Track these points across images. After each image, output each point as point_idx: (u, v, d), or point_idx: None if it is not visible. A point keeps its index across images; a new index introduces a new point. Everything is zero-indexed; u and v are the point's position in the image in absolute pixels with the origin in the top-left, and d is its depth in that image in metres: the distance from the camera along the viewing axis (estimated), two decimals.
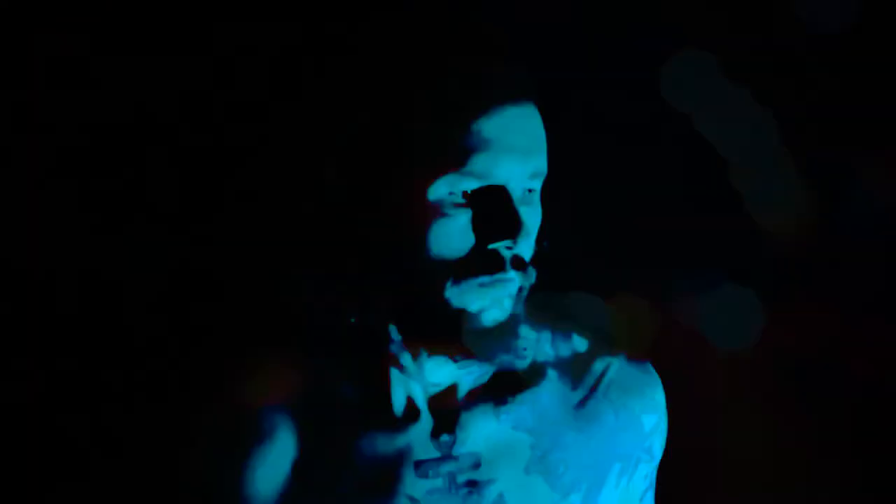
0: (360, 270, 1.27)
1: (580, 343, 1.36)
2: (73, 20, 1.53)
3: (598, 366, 1.35)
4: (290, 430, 1.29)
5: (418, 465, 1.28)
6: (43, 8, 1.51)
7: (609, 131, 1.69)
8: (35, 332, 1.54)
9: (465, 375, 1.30)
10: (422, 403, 1.29)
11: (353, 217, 1.27)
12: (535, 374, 1.33)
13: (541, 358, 1.34)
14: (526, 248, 1.25)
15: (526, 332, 1.30)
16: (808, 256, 1.68)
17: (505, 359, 1.30)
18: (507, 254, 1.22)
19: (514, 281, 1.23)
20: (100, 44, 1.53)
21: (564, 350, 1.35)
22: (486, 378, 1.31)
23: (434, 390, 1.29)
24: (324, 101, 1.37)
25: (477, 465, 1.28)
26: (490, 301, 1.23)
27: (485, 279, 1.21)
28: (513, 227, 1.21)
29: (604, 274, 1.64)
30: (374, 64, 1.27)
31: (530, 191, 1.25)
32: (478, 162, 1.20)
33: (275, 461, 1.28)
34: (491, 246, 1.21)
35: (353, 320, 1.27)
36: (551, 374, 1.33)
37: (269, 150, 1.58)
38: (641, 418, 1.34)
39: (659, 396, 1.36)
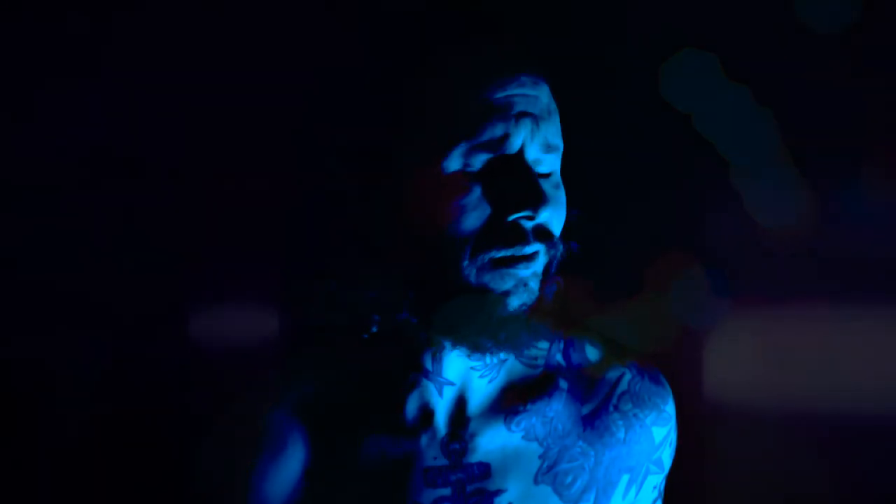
0: (375, 265, 1.25)
1: (592, 352, 1.36)
2: None
3: (610, 376, 1.34)
4: (300, 435, 1.29)
5: (427, 472, 1.27)
6: None
7: (607, 131, 1.68)
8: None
9: (477, 377, 1.29)
10: (436, 407, 1.29)
11: (364, 207, 1.25)
12: (546, 384, 1.33)
13: (552, 367, 1.34)
14: (554, 220, 1.23)
15: (538, 341, 1.30)
16: (808, 256, 1.68)
17: (517, 366, 1.30)
18: (527, 224, 1.20)
19: (537, 255, 1.21)
20: None
21: (577, 359, 1.35)
22: (497, 385, 1.31)
23: (448, 391, 1.29)
24: (330, 81, 1.34)
25: (486, 475, 1.28)
26: (514, 283, 1.20)
27: (505, 252, 1.19)
28: (530, 196, 1.19)
29: (602, 276, 1.63)
30: (378, 41, 1.25)
31: (548, 174, 1.23)
32: (489, 131, 1.19)
33: (285, 465, 1.28)
34: (510, 218, 1.19)
35: (374, 329, 1.25)
36: (562, 383, 1.33)
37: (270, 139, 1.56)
38: (652, 430, 1.34)
39: (670, 408, 1.36)
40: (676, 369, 1.41)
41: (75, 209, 1.54)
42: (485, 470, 1.28)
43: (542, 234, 1.22)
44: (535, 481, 1.29)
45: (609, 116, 1.66)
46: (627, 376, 1.35)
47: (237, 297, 1.52)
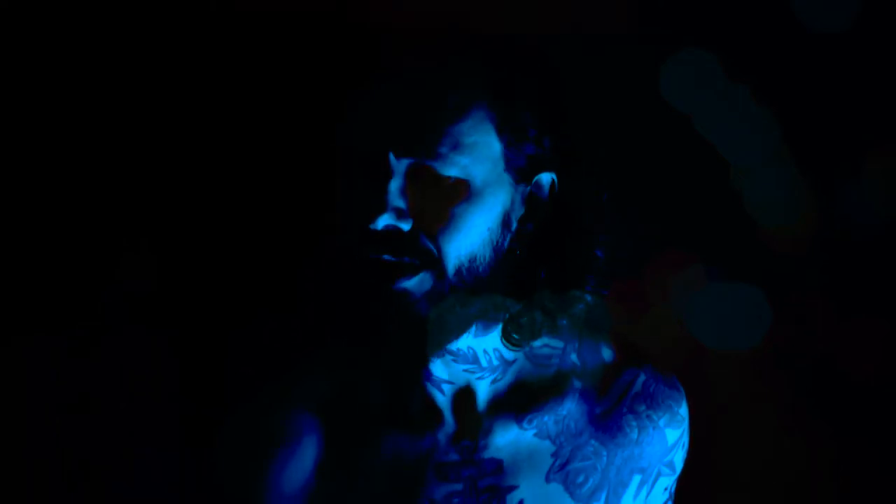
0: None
1: (608, 353, 1.35)
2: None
3: (625, 377, 1.35)
4: (313, 431, 1.29)
5: (439, 467, 1.27)
6: None
7: (606, 132, 1.68)
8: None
9: (475, 378, 1.29)
10: (442, 405, 1.29)
11: None
12: (560, 383, 1.33)
13: (567, 366, 1.33)
14: (436, 233, 1.18)
15: (553, 340, 1.30)
16: (808, 256, 1.68)
17: (528, 366, 1.30)
18: (390, 238, 1.16)
19: (407, 273, 1.17)
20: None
21: (592, 360, 1.34)
22: (507, 383, 1.31)
23: (449, 389, 1.29)
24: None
25: (498, 471, 1.28)
26: (387, 292, 1.18)
27: (376, 256, 1.16)
28: (378, 203, 1.15)
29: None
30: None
31: (445, 177, 1.17)
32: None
33: (298, 461, 1.28)
34: (372, 226, 1.15)
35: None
36: (576, 383, 1.33)
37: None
38: (665, 432, 1.34)
39: (684, 411, 1.36)
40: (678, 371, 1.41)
41: None
42: (497, 466, 1.28)
43: (413, 251, 1.17)
44: (547, 479, 1.29)
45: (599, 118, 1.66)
46: (642, 378, 1.35)
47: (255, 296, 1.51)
